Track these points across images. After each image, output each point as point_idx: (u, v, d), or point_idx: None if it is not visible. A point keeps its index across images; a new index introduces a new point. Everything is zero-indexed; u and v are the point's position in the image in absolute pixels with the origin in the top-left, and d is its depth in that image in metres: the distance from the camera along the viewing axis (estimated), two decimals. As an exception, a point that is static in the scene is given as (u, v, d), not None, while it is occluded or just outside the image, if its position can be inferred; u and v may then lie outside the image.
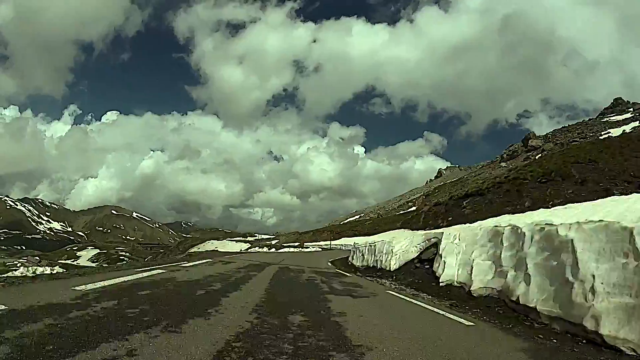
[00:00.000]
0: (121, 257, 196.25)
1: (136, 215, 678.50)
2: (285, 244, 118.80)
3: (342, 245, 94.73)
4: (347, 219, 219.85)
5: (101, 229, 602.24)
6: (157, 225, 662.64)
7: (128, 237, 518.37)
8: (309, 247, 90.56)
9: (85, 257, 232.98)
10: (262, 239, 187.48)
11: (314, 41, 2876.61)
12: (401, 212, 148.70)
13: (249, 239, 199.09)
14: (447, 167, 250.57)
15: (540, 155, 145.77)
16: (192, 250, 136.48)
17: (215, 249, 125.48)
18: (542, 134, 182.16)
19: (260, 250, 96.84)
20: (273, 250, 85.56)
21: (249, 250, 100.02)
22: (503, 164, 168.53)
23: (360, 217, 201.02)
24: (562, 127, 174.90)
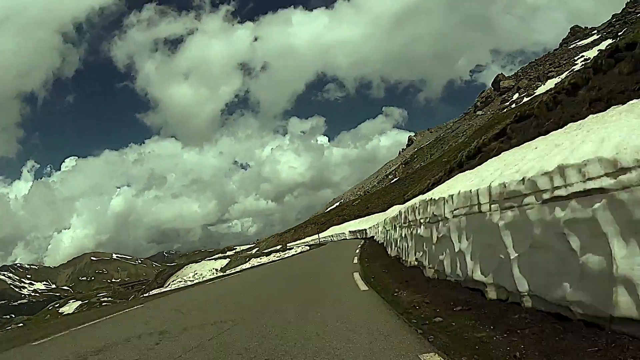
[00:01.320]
0: (104, 303, 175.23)
1: (116, 256, 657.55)
2: (265, 251, 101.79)
3: (332, 236, 76.31)
4: (327, 208, 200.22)
5: (85, 278, 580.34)
6: (140, 261, 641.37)
7: (113, 280, 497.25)
8: (292, 248, 69.78)
9: (69, 311, 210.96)
10: (242, 250, 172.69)
11: (256, 40, 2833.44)
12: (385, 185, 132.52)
13: (229, 253, 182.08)
14: (415, 133, 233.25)
15: (517, 93, 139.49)
16: (169, 282, 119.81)
17: (185, 278, 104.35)
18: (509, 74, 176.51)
19: (237, 269, 76.73)
20: (248, 265, 64.40)
21: (225, 272, 79.84)
22: (480, 112, 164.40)
23: (340, 203, 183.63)
24: (530, 62, 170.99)
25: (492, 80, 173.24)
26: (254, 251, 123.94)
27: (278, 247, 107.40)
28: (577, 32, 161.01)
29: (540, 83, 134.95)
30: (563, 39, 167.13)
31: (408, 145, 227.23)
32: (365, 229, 52.30)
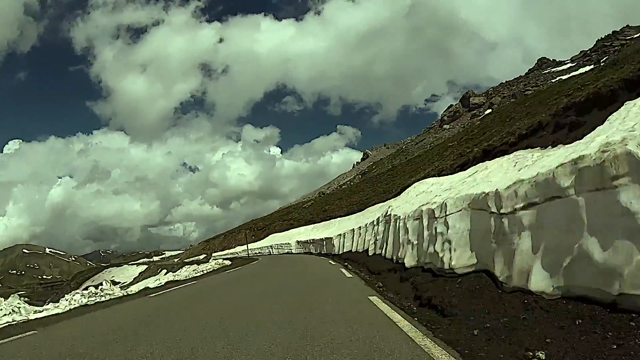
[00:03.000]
0: (18, 304, 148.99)
1: (50, 251, 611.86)
2: (187, 260, 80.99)
3: (271, 247, 54.35)
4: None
5: (15, 271, 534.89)
6: (74, 259, 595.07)
7: (44, 277, 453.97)
8: (209, 261, 46.23)
9: None
10: (169, 256, 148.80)
11: (221, 41, 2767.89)
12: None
13: (154, 258, 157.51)
14: (371, 148, 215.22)
15: (491, 109, 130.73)
16: (84, 286, 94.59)
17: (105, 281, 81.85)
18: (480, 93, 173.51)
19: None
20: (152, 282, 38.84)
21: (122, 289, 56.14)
22: (446, 126, 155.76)
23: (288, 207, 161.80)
24: (501, 83, 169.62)
25: (462, 97, 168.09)
26: (176, 260, 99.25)
27: (201, 256, 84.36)
28: (543, 64, 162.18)
29: (515, 100, 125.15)
30: (530, 69, 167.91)
31: (363, 159, 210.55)
32: (329, 239, 31.55)
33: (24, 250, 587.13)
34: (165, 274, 47.35)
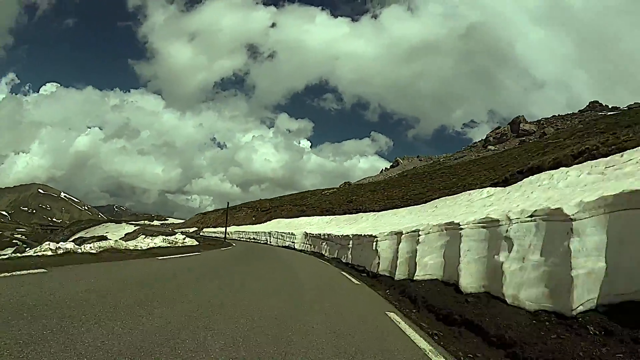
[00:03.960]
0: (14, 242, 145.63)
1: (64, 196, 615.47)
2: (178, 229, 76.19)
3: (268, 234, 41.49)
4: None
5: (26, 209, 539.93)
6: (86, 208, 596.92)
7: (54, 219, 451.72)
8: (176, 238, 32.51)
9: None
10: (171, 224, 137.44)
11: (273, 25, 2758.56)
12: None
13: (155, 222, 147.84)
14: (404, 157, 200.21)
15: (548, 136, 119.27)
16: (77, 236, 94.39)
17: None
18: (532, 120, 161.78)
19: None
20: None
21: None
22: (491, 147, 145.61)
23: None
24: (553, 115, 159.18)
25: (512, 121, 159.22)
26: (170, 229, 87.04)
27: (191, 229, 72.08)
28: (596, 107, 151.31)
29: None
30: (580, 110, 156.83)
31: (393, 166, 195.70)
32: (363, 240, 17.40)
33: (39, 190, 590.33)
34: (144, 238, 39.00)
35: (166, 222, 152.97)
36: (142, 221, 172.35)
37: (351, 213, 42.36)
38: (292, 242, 35.02)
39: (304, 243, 33.18)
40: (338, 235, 23.25)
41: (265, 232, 43.75)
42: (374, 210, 36.13)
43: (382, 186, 63.54)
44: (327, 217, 43.26)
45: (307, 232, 34.00)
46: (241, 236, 49.14)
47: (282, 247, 35.72)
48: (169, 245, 23.26)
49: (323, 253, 25.90)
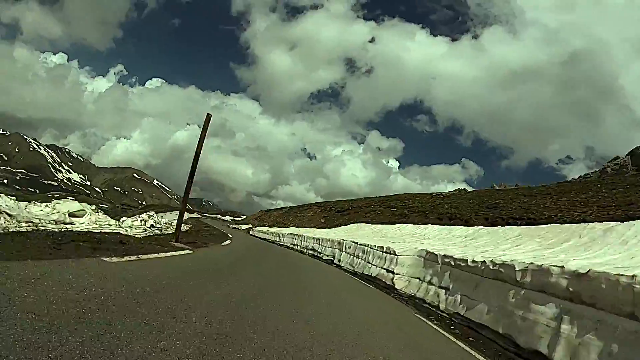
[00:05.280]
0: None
1: (157, 183, 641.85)
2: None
3: (337, 244, 19.42)
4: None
5: (119, 189, 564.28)
6: (176, 197, 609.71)
7: (144, 203, 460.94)
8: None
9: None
10: (241, 219, 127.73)
11: (372, 40, 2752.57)
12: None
13: (227, 217, 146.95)
14: (500, 183, 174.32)
15: None
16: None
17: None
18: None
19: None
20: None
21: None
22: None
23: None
24: None
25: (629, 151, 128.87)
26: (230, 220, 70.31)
27: (244, 226, 54.95)
28: None
29: None
30: None
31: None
32: None
33: (134, 174, 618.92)
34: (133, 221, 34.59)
35: (238, 218, 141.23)
36: (216, 215, 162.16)
37: (495, 224, 22.45)
38: (388, 268, 14.61)
39: (425, 278, 13.04)
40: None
41: (332, 242, 23.13)
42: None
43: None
44: (460, 227, 22.61)
45: (437, 252, 13.28)
46: (294, 242, 29.89)
47: (365, 275, 16.36)
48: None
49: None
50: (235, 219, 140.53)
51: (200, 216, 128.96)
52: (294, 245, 29.88)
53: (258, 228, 48.91)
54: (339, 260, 21.05)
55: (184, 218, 16.54)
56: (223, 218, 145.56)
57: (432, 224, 25.87)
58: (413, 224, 27.03)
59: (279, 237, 34.44)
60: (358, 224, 32.95)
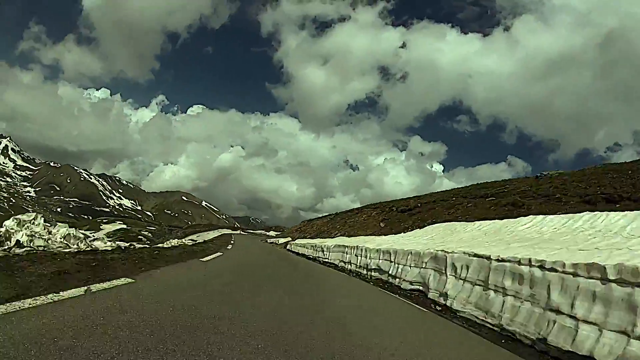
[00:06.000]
0: (139, 237, 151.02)
1: (205, 204, 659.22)
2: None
3: (433, 258, 7.35)
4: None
5: (169, 212, 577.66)
6: (225, 217, 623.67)
7: (193, 223, 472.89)
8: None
9: (106, 230, 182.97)
10: (283, 232, 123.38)
11: (403, 46, 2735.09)
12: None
13: (271, 232, 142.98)
14: (550, 172, 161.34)
15: None
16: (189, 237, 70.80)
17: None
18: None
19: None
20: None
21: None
22: None
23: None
24: None
25: None
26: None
27: (281, 240, 45.31)
28: None
29: None
30: None
31: (538, 177, 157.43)
32: None
33: (183, 197, 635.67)
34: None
35: (282, 231, 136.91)
36: (260, 231, 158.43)
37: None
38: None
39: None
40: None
41: (419, 256, 11.48)
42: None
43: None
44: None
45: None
46: (346, 259, 18.69)
47: (537, 341, 5.61)
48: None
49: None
50: (278, 233, 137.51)
51: (242, 232, 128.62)
52: (344, 263, 18.97)
53: (297, 241, 38.47)
54: (446, 295, 9.52)
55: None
56: (267, 233, 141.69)
57: (575, 211, 14.45)
58: (542, 214, 15.75)
59: (322, 251, 23.45)
60: (445, 224, 21.53)
